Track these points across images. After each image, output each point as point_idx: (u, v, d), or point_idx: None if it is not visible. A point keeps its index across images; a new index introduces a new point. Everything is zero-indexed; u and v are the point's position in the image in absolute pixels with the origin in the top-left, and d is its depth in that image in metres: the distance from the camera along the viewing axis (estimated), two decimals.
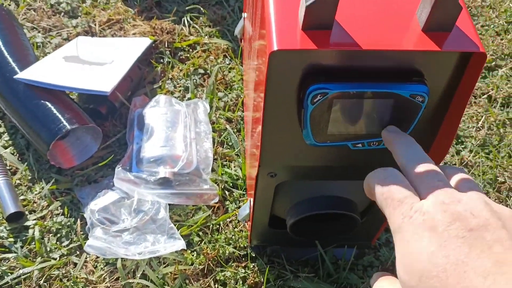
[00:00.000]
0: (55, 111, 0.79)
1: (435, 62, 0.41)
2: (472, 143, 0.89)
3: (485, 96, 0.98)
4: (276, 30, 0.39)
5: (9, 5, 1.10)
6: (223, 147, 0.88)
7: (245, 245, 0.76)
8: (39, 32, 1.05)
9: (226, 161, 0.86)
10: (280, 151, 0.49)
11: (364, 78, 0.41)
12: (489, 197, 0.82)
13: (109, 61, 0.91)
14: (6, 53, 0.86)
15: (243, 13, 0.92)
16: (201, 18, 1.09)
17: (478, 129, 0.92)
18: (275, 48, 0.38)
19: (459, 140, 0.90)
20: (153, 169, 0.79)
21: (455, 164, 0.86)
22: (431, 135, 0.48)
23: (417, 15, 0.41)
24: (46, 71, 0.83)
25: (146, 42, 0.98)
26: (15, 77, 0.81)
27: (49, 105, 0.80)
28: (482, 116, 0.93)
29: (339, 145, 0.46)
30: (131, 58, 0.92)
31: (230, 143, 0.89)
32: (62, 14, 1.08)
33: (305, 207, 0.57)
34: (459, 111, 0.44)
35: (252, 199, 0.67)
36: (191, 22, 1.08)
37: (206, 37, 1.06)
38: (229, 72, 1.00)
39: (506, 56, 1.03)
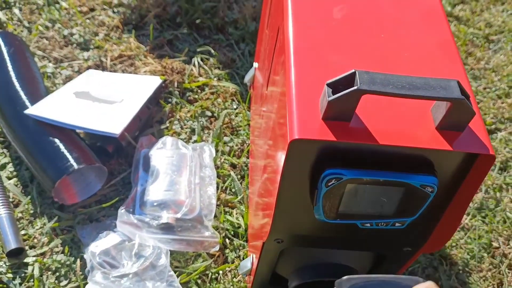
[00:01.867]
0: (63, 149, 0.80)
1: (445, 158, 0.43)
2: (470, 206, 0.91)
3: None
4: (297, 118, 0.41)
5: (22, 31, 1.12)
6: (226, 193, 0.89)
7: None
8: (50, 62, 1.06)
9: (228, 208, 0.87)
10: (290, 221, 0.51)
11: (378, 166, 0.43)
12: (483, 262, 0.84)
13: (119, 99, 0.92)
14: (18, 86, 0.88)
15: (254, 63, 0.94)
16: (211, 59, 1.12)
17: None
18: (296, 136, 0.40)
19: None
20: (156, 213, 0.80)
21: None
22: (434, 221, 0.50)
23: (431, 112, 0.43)
24: (56, 107, 0.85)
25: (156, 81, 1.00)
26: (25, 112, 0.82)
27: (58, 142, 0.81)
28: None
29: (348, 223, 0.48)
30: (142, 97, 0.93)
31: (233, 189, 0.90)
32: (74, 45, 1.10)
33: (308, 273, 0.58)
34: (464, 204, 0.46)
35: (254, 255, 0.67)
36: (201, 63, 1.10)
37: (215, 79, 1.08)
38: (236, 116, 1.02)
39: (506, 120, 1.07)
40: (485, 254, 0.85)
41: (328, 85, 0.40)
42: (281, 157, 0.44)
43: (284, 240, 0.54)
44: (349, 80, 0.39)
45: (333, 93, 0.40)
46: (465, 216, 0.90)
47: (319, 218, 0.47)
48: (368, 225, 0.48)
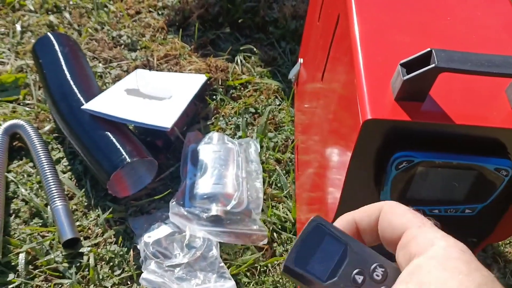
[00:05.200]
0: (116, 143, 0.82)
1: None
2: None
3: None
4: (369, 99, 0.41)
5: (72, 33, 1.16)
6: (272, 188, 0.90)
7: None
8: (100, 62, 1.10)
9: (275, 202, 0.87)
10: (354, 208, 0.50)
11: (450, 148, 0.43)
12: None
13: (168, 96, 0.94)
14: (72, 84, 0.91)
15: (299, 59, 0.95)
16: (253, 57, 1.13)
17: None
18: (369, 116, 0.40)
19: None
20: (206, 206, 0.81)
21: None
22: (503, 209, 0.49)
23: (506, 93, 0.42)
24: (110, 103, 0.87)
25: (201, 79, 1.02)
26: (82, 107, 0.85)
27: (112, 136, 0.83)
28: None
29: (415, 209, 0.47)
30: (189, 94, 0.95)
31: (279, 184, 0.90)
32: (123, 46, 1.14)
33: None
34: None
35: None
36: (243, 61, 1.12)
37: (257, 76, 1.09)
38: (279, 113, 1.02)
39: None
40: None
41: (402, 64, 0.40)
42: (349, 140, 0.44)
43: None
44: (425, 59, 0.39)
45: (408, 73, 0.39)
46: None
47: None
48: (437, 211, 0.47)
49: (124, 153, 0.81)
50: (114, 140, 0.83)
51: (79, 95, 0.89)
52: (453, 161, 0.42)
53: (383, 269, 0.25)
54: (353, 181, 0.47)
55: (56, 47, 0.98)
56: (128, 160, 0.80)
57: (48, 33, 1.01)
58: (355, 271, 0.25)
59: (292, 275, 0.26)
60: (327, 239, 0.27)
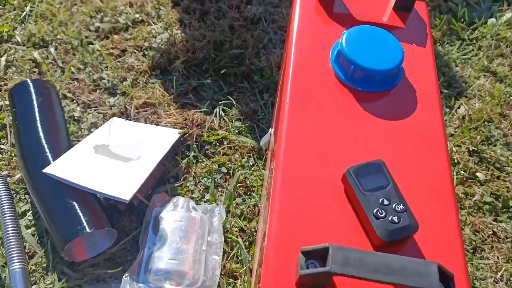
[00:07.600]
0: (77, 211, 0.82)
1: None
2: None
3: (509, 239, 0.94)
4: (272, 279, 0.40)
5: (55, 71, 1.16)
6: (232, 261, 0.89)
7: None
8: (78, 105, 1.10)
9: (232, 279, 0.87)
10: None
11: None
12: None
13: (136, 156, 0.94)
14: (42, 139, 0.91)
15: (270, 129, 0.93)
16: (233, 109, 1.12)
17: (496, 281, 0.88)
18: None
19: None
20: (159, 284, 0.81)
21: None
22: None
23: None
24: (72, 167, 0.87)
25: (174, 136, 1.01)
26: (43, 170, 0.85)
27: (73, 202, 0.83)
28: (502, 267, 0.89)
29: None
30: (158, 154, 0.94)
31: (240, 258, 0.89)
32: (103, 89, 1.13)
33: None
34: None
35: None
36: (222, 113, 1.10)
37: (235, 132, 1.07)
38: (251, 175, 1.01)
39: None
40: None
41: (302, 252, 0.39)
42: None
43: None
44: (323, 253, 0.37)
45: (306, 262, 0.38)
46: None
47: None
48: None
49: (84, 222, 0.81)
50: (75, 206, 0.83)
51: (48, 153, 0.89)
52: None
53: None
54: None
55: (33, 95, 0.98)
56: (88, 230, 0.80)
57: (27, 80, 1.01)
58: None
59: None
60: None
